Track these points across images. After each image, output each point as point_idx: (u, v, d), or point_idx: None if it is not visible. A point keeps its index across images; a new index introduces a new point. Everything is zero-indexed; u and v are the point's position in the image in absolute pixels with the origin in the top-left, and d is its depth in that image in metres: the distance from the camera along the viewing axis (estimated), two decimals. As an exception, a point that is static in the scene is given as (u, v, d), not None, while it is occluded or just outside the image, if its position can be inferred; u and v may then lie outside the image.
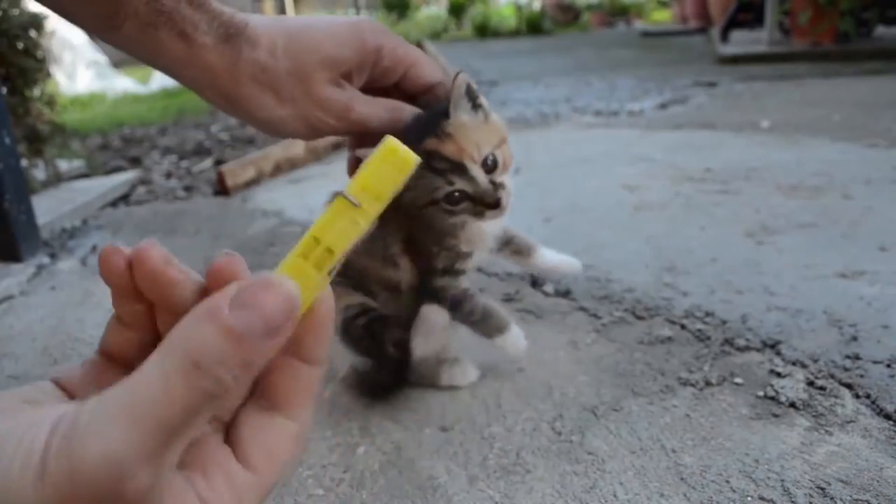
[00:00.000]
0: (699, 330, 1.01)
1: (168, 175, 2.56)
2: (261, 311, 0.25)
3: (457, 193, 0.69)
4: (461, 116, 0.69)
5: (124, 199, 2.22)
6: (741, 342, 0.97)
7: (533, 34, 10.78)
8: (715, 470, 0.70)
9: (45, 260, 1.58)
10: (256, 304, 0.25)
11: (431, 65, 0.68)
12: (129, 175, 2.45)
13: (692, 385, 0.87)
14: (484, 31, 11.36)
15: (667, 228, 1.49)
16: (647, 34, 8.65)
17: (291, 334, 0.27)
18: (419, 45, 6.18)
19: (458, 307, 0.84)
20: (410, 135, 0.67)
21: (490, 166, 0.70)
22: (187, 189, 2.31)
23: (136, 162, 2.83)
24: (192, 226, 1.80)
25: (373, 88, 0.66)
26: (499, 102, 4.00)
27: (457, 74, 0.68)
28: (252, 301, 0.25)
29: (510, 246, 0.93)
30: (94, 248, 1.66)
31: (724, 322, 1.03)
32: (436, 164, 0.68)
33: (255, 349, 0.25)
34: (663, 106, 3.31)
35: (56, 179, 2.21)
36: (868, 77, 3.68)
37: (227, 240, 1.64)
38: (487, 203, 0.70)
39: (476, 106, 0.71)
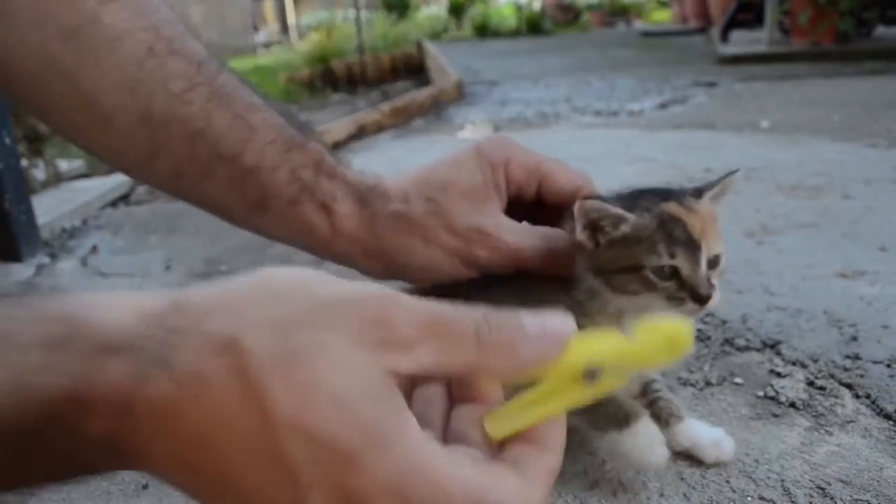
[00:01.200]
0: (699, 330, 1.01)
1: (168, 175, 2.56)
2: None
3: (668, 269, 0.59)
4: (712, 205, 0.62)
5: (124, 199, 2.22)
6: (741, 342, 0.97)
7: (533, 34, 10.79)
8: (715, 470, 0.70)
9: (45, 260, 1.58)
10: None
11: (567, 170, 0.64)
12: (129, 175, 2.45)
13: (692, 385, 0.87)
14: (484, 31, 11.36)
15: (667, 228, 1.49)
16: (647, 34, 8.66)
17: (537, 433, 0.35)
18: (419, 45, 6.16)
19: None
20: (647, 195, 0.62)
21: (713, 263, 0.60)
22: (187, 189, 2.31)
23: (136, 162, 2.83)
24: (192, 226, 1.80)
25: (519, 211, 0.64)
26: (499, 102, 4.00)
27: (734, 172, 0.63)
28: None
29: (646, 400, 0.73)
30: (94, 248, 1.66)
31: (724, 322, 1.03)
32: (672, 231, 0.59)
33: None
34: (663, 106, 3.31)
35: (56, 179, 2.21)
36: (868, 77, 3.68)
37: (227, 240, 1.64)
38: (697, 295, 0.58)
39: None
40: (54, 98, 0.55)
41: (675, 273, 0.58)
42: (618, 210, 0.59)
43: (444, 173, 0.62)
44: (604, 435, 0.66)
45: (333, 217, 0.59)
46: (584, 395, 0.37)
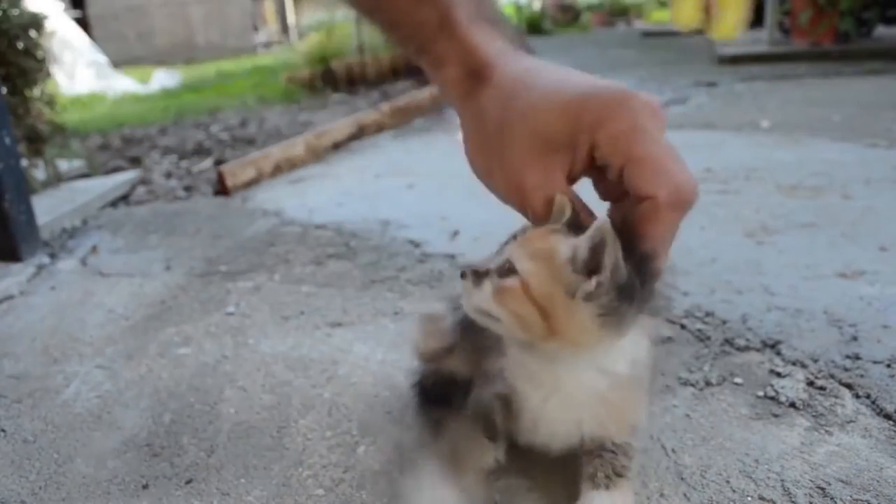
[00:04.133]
0: (699, 330, 1.02)
1: (168, 175, 2.56)
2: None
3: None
4: (531, 268, 0.56)
5: (124, 199, 2.23)
6: (741, 342, 0.97)
7: (533, 34, 10.78)
8: (715, 470, 0.70)
9: (45, 260, 1.58)
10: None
11: (657, 170, 0.54)
12: (129, 175, 2.45)
13: (692, 385, 0.87)
14: (484, 31, 11.33)
15: (667, 228, 1.49)
16: (647, 34, 8.64)
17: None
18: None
19: None
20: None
21: (504, 269, 0.58)
22: (187, 189, 2.31)
23: (136, 162, 2.83)
24: (192, 226, 1.80)
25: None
26: (499, 102, 3.99)
27: (599, 224, 0.54)
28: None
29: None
30: (94, 248, 1.66)
31: (724, 322, 1.03)
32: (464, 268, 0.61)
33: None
34: (663, 106, 3.31)
35: (56, 179, 2.21)
36: (868, 77, 3.68)
37: (227, 239, 1.64)
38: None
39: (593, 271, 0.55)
40: None
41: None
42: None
43: (529, 109, 0.57)
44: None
45: (445, 75, 0.62)
46: None
